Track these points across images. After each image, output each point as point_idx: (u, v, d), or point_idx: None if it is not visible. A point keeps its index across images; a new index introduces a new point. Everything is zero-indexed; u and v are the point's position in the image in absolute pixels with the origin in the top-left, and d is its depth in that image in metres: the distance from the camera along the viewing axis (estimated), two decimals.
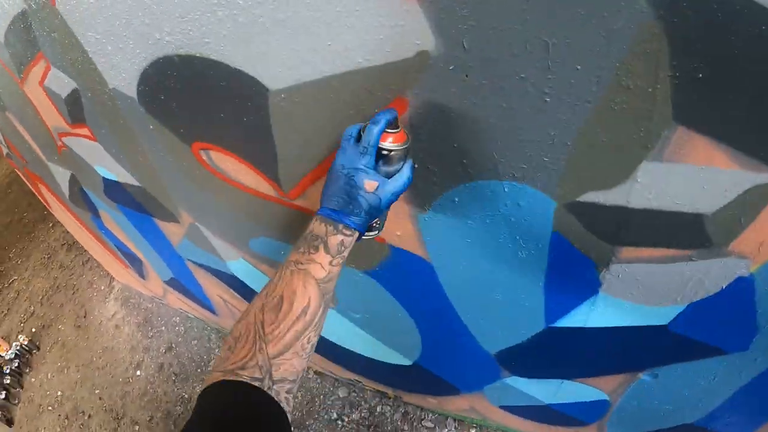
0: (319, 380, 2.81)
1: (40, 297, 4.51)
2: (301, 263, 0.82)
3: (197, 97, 1.09)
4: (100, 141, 1.62)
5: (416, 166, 0.91)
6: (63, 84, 1.44)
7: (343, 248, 0.84)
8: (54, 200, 3.02)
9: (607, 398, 1.56)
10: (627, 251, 0.98)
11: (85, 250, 4.27)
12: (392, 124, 0.82)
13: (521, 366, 1.64)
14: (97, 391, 3.47)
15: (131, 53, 1.08)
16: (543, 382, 1.66)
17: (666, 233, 0.92)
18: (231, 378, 0.72)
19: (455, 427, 2.46)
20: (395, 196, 0.84)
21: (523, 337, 1.42)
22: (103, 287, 4.19)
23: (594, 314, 1.21)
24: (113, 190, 1.97)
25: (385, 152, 0.84)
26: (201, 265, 2.12)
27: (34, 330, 4.20)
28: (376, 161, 0.84)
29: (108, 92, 1.29)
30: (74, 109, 1.54)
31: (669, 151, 0.76)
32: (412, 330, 1.67)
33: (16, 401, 3.73)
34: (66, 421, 3.43)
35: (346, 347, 2.11)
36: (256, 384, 0.72)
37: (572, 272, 1.11)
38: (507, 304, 1.29)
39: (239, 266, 1.84)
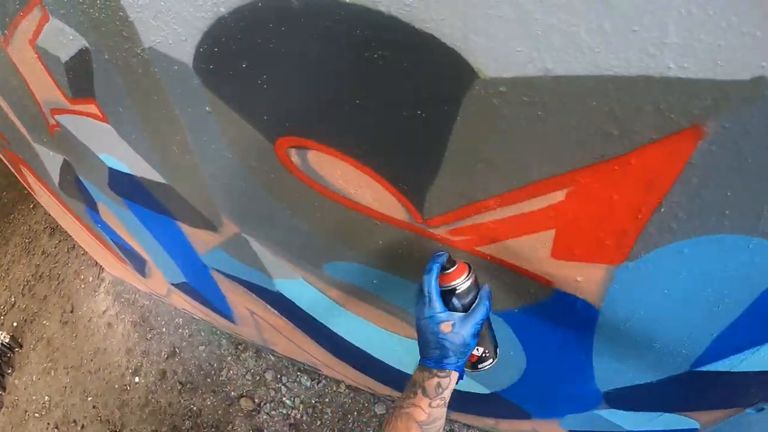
0: (352, 395, 2.57)
1: (22, 287, 4.24)
2: (403, 408, 0.87)
3: (318, 67, 0.73)
4: (113, 122, 1.21)
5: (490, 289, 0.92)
6: (65, 42, 1.03)
7: (440, 389, 0.86)
8: (39, 186, 2.65)
9: (698, 427, 1.49)
10: None
11: (71, 236, 3.92)
12: (448, 263, 0.88)
13: (628, 401, 1.51)
14: (89, 399, 3.24)
15: None
16: (642, 414, 1.55)
17: None
18: None
19: None
20: (477, 326, 0.87)
21: (653, 378, 1.27)
22: (91, 278, 3.90)
23: (752, 359, 1.09)
24: (122, 182, 1.60)
25: (452, 291, 0.88)
26: (232, 277, 1.80)
27: (15, 324, 3.96)
28: (450, 301, 0.88)
29: (140, 54, 0.88)
30: (78, 77, 1.13)
31: None
32: (517, 367, 1.53)
33: None
34: (56, 430, 3.22)
35: (405, 371, 1.89)
36: None
37: (765, 322, 0.98)
38: (661, 350, 1.15)
39: (295, 287, 1.53)
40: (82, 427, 3.11)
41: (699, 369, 1.15)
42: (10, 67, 1.33)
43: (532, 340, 1.33)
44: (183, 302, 2.86)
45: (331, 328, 1.80)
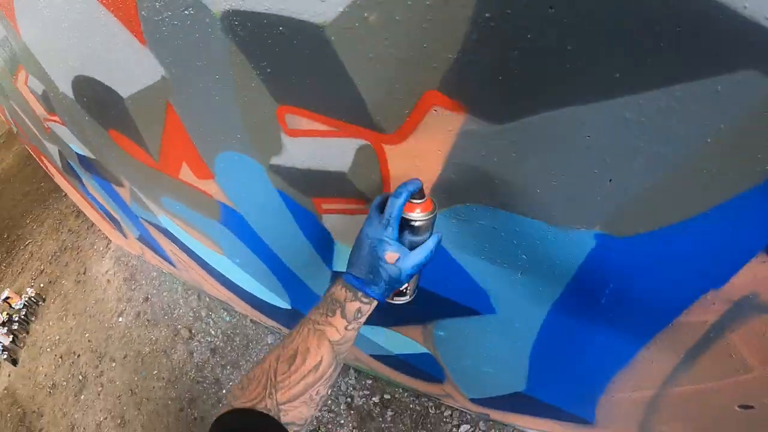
0: (254, 328, 3.34)
1: (50, 257, 5.17)
2: (319, 324, 0.85)
3: (102, 97, 1.51)
4: (66, 126, 2.16)
5: (441, 237, 0.90)
6: (37, 85, 1.98)
7: (360, 315, 0.85)
8: (54, 170, 3.58)
9: (428, 351, 1.71)
10: (320, 202, 1.17)
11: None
12: (417, 194, 0.85)
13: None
14: (86, 335, 4.08)
15: (62, 71, 1.60)
16: (374, 328, 1.84)
17: (332, 188, 1.08)
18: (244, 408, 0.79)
19: (355, 377, 2.79)
20: (416, 268, 0.84)
21: (316, 277, 1.67)
22: (101, 248, 4.80)
23: (338, 262, 1.43)
24: (84, 162, 2.50)
25: (410, 223, 0.85)
26: (149, 223, 2.60)
27: (42, 285, 4.87)
28: (402, 231, 0.86)
29: (60, 94, 1.81)
30: (47, 102, 2.08)
31: (287, 128, 0.97)
32: (269, 273, 1.93)
33: (22, 345, 4.44)
34: (60, 360, 4.05)
35: (248, 290, 2.40)
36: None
37: (306, 223, 1.32)
38: (303, 250, 1.52)
39: (166, 221, 2.27)
40: (78, 356, 3.95)
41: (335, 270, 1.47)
42: (19, 94, 2.32)
43: (250, 243, 1.72)
44: (152, 258, 3.70)
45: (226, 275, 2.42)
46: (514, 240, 0.93)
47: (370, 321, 1.44)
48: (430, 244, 0.86)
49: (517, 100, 0.67)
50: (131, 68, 1.27)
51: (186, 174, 1.60)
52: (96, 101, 1.64)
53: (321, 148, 1.02)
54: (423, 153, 0.87)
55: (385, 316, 1.59)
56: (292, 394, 0.80)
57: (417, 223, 0.85)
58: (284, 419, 0.78)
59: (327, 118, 0.94)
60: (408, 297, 0.96)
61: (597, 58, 0.58)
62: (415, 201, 0.85)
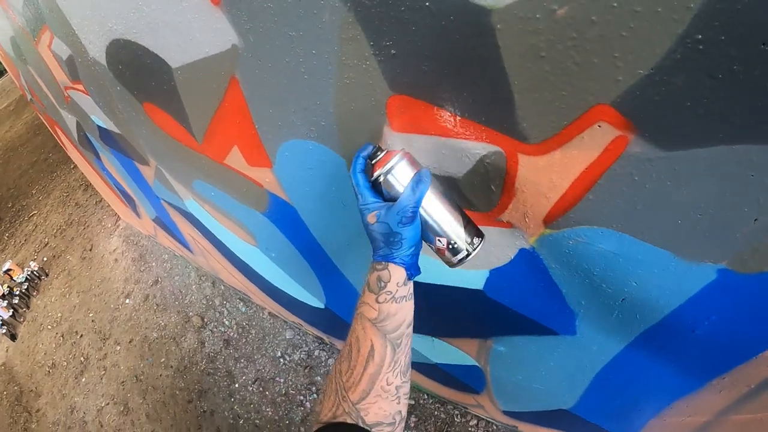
0: (271, 321, 3.20)
1: (55, 230, 5.09)
2: (358, 309, 0.84)
3: (143, 66, 1.39)
4: (91, 96, 2.03)
5: (426, 171, 0.83)
6: (63, 50, 1.85)
7: (382, 283, 0.81)
8: (68, 142, 3.47)
9: (477, 364, 1.62)
10: None
11: (98, 191, 4.69)
12: (375, 152, 0.86)
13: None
14: (90, 315, 3.98)
15: (98, 34, 1.46)
16: (422, 338, 1.74)
17: None
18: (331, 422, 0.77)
19: None
20: (402, 213, 0.80)
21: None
22: (109, 225, 4.71)
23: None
24: (105, 136, 2.38)
25: (376, 182, 0.84)
26: (171, 205, 2.49)
27: (45, 259, 4.79)
28: (382, 192, 0.85)
29: (90, 60, 1.68)
30: (72, 69, 1.95)
31: (396, 121, 0.89)
32: (308, 270, 1.85)
33: (22, 320, 4.34)
34: (61, 338, 3.95)
35: (277, 286, 2.34)
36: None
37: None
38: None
39: (192, 205, 2.19)
40: (81, 336, 3.84)
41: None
42: (40, 58, 2.18)
43: (293, 238, 1.65)
44: (165, 240, 3.59)
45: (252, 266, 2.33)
46: (631, 267, 0.89)
47: (424, 329, 1.51)
48: (410, 185, 0.81)
49: (695, 129, 0.64)
50: (192, 33, 1.10)
51: (235, 159, 1.47)
52: (134, 69, 1.49)
53: (434, 148, 0.91)
54: (565, 169, 0.80)
55: (443, 325, 1.57)
56: (362, 390, 0.77)
57: (380, 180, 0.83)
58: (368, 420, 0.75)
59: (457, 116, 0.84)
60: (465, 252, 0.85)
61: None
62: (378, 159, 0.84)
